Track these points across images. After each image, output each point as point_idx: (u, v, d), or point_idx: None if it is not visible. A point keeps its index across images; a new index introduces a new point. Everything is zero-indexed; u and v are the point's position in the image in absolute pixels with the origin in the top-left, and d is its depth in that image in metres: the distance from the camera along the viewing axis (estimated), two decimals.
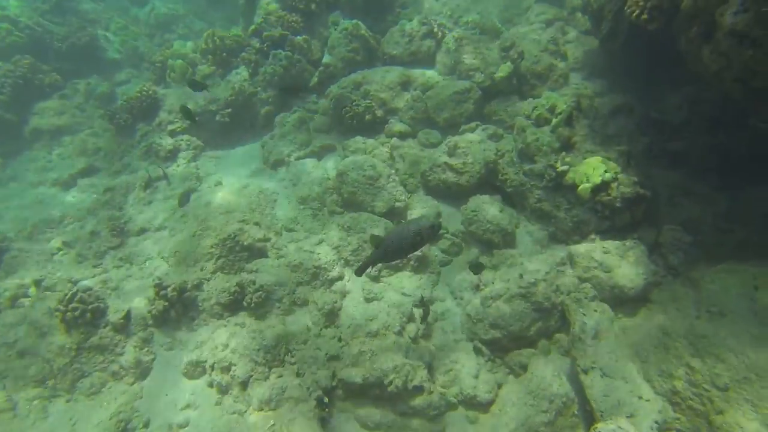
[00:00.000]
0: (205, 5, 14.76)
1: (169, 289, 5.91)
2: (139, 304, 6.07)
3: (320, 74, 9.27)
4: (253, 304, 5.93)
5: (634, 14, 5.89)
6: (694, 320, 5.23)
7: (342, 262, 6.73)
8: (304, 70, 9.27)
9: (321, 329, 5.95)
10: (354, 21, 9.23)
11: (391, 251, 4.21)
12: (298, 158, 8.34)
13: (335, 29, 9.40)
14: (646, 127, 7.57)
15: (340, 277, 6.57)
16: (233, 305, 6.00)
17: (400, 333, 5.86)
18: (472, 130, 8.07)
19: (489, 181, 7.45)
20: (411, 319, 6.11)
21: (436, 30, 9.53)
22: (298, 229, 7.22)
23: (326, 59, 9.27)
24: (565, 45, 9.44)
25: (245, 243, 6.61)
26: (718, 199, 6.57)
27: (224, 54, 9.39)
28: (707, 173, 6.94)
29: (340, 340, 5.76)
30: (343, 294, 6.42)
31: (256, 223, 6.93)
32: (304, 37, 9.42)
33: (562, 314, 5.92)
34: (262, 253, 6.76)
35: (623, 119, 7.98)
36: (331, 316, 6.05)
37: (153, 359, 5.69)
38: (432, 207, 7.38)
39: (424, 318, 5.96)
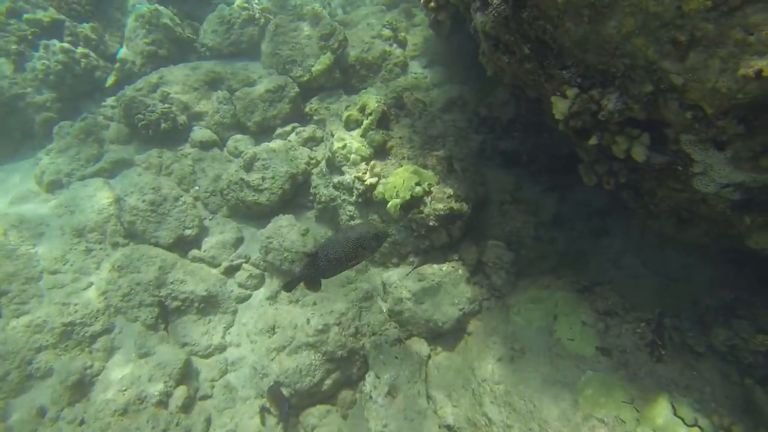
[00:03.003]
0: None
1: None
2: None
3: (118, 72, 7.69)
4: None
5: (422, 1, 4.95)
6: (496, 362, 4.53)
7: (111, 310, 5.41)
8: (95, 67, 7.63)
9: (62, 409, 4.66)
10: (153, 6, 7.69)
11: (327, 266, 3.48)
12: (82, 178, 6.81)
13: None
14: (478, 124, 6.84)
15: (107, 331, 5.27)
16: None
17: (162, 403, 4.70)
18: (287, 134, 6.94)
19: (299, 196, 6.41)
20: (183, 380, 4.96)
21: (258, 15, 8.23)
22: (66, 270, 5.79)
23: (122, 54, 7.69)
24: (410, 29, 8.52)
25: None
26: (546, 204, 6.00)
27: None
28: (540, 174, 6.35)
29: (81, 423, 4.51)
30: (108, 352, 5.14)
31: None
32: (91, 24, 7.72)
33: (365, 359, 5.04)
34: None
35: (458, 114, 7.22)
36: (80, 388, 4.76)
37: None
38: (232, 230, 6.21)
39: None
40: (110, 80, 7.68)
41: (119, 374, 4.84)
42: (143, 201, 5.95)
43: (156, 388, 4.70)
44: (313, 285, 3.70)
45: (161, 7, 7.77)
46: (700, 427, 3.24)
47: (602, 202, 6.05)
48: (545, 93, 3.29)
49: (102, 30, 7.84)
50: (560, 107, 2.93)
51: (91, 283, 5.58)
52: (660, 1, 2.22)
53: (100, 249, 6.09)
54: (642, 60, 2.53)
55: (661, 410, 3.37)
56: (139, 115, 6.93)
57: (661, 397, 3.49)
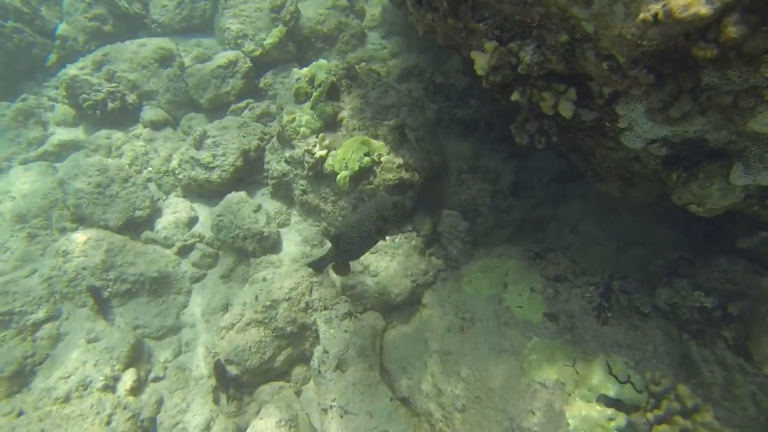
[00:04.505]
0: None
1: None
2: None
3: (59, 50, 7.35)
4: None
5: None
6: (446, 332, 4.49)
7: (57, 296, 5.26)
8: (31, 43, 7.26)
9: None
10: None
11: (353, 246, 3.25)
12: (24, 162, 6.56)
13: None
14: (434, 92, 6.71)
15: (52, 317, 5.13)
16: None
17: (109, 387, 4.61)
18: (241, 110, 6.74)
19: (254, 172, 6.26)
20: (132, 363, 4.86)
21: None
22: (6, 258, 5.60)
23: (61, 29, 7.34)
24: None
25: None
26: (505, 171, 5.92)
27: None
28: (500, 141, 6.25)
29: (19, 415, 4.39)
30: (54, 340, 5.01)
31: None
32: None
33: (318, 334, 4.97)
34: None
35: (414, 83, 7.07)
36: (18, 378, 4.64)
37: None
38: (185, 210, 6.05)
39: None
40: (51, 58, 7.34)
41: (64, 361, 4.71)
42: (89, 183, 5.75)
43: (102, 373, 4.59)
44: (343, 268, 3.49)
45: None
46: (632, 383, 3.25)
47: (562, 168, 6.00)
48: (471, 50, 3.16)
49: (37, 3, 7.43)
50: (480, 62, 2.81)
51: (35, 270, 5.41)
52: None
53: (46, 234, 5.89)
54: (554, 7, 2.41)
55: (597, 370, 3.36)
56: (84, 95, 6.66)
57: (599, 357, 3.48)
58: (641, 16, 2.00)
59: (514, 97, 2.82)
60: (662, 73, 2.26)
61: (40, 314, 5.08)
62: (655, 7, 1.93)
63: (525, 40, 2.67)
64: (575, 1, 2.26)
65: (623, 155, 3.32)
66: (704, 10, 1.77)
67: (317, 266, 3.54)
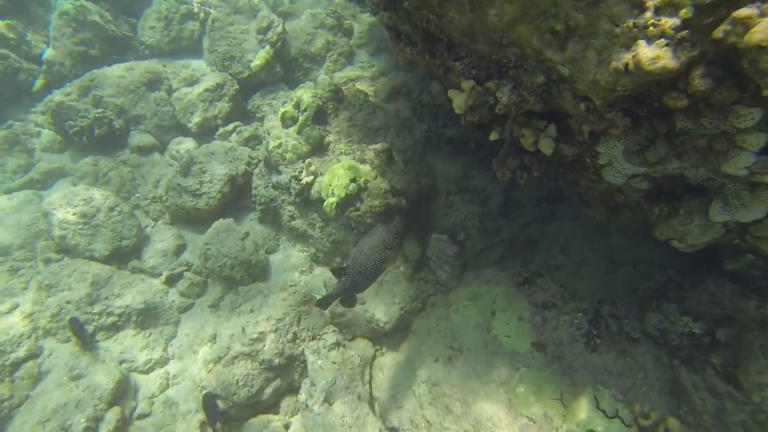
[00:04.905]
0: None
1: None
2: None
3: (45, 75, 7.32)
4: None
5: None
6: (434, 362, 4.43)
7: (39, 332, 5.17)
8: (17, 69, 7.22)
9: None
10: (78, 1, 7.29)
11: (361, 278, 3.39)
12: (8, 191, 6.49)
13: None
14: (422, 112, 6.69)
15: (33, 355, 5.04)
16: None
17: (90, 429, 4.51)
18: (229, 134, 6.70)
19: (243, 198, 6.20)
20: (116, 401, 4.77)
21: (196, 9, 7.90)
22: None
23: (47, 54, 7.30)
24: (358, 16, 8.26)
25: None
26: (494, 192, 5.89)
27: None
28: (489, 160, 6.20)
29: None
30: (34, 379, 4.92)
31: None
32: (7, 21, 7.24)
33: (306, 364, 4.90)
34: None
35: (402, 103, 7.04)
36: None
37: None
38: (173, 238, 5.99)
39: None
40: (38, 84, 7.29)
41: (43, 403, 4.61)
42: (73, 214, 5.68)
43: (83, 415, 4.49)
44: (350, 301, 3.59)
45: (88, 3, 7.36)
46: (620, 417, 3.20)
47: (551, 187, 5.97)
48: (450, 85, 3.14)
49: (23, 28, 7.39)
50: (457, 101, 2.78)
51: (17, 305, 5.32)
52: None
53: (29, 267, 5.79)
54: (529, 49, 2.38)
55: (585, 404, 3.31)
56: (70, 122, 6.60)
57: (587, 390, 3.43)
58: (613, 64, 1.98)
59: (493, 136, 2.79)
60: (638, 116, 2.23)
61: (21, 353, 4.98)
62: (626, 57, 1.91)
63: (502, 79, 2.64)
64: (549, 45, 2.24)
65: (606, 187, 3.29)
66: (671, 64, 1.75)
67: (325, 303, 3.59)
